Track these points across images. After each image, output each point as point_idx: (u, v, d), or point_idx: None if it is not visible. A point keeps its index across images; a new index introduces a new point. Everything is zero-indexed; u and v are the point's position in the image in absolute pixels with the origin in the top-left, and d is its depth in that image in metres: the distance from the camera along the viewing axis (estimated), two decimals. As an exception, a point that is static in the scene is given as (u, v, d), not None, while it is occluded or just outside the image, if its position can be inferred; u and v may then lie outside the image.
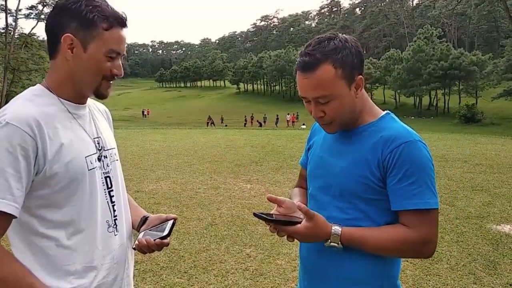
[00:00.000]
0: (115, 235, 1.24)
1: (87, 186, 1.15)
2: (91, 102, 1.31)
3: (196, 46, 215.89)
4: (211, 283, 3.24)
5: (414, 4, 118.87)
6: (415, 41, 54.53)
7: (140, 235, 1.27)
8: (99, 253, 1.18)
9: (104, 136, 1.27)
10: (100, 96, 1.21)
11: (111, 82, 1.20)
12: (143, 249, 1.24)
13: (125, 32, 1.17)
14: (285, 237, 1.21)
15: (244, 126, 37.00)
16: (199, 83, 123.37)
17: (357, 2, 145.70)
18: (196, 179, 7.14)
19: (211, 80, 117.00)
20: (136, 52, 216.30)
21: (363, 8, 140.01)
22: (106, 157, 1.25)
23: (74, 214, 1.13)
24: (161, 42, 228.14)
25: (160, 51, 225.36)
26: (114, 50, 1.14)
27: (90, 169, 1.16)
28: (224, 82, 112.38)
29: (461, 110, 40.93)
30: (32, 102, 1.11)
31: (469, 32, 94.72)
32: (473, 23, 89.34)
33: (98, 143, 1.23)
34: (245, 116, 44.26)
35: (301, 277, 1.42)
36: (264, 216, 1.18)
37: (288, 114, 44.34)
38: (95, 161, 1.19)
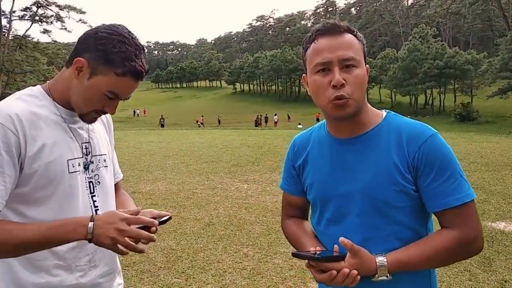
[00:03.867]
0: None
1: (67, 188, 1.16)
2: None
3: (192, 47, 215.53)
4: (209, 283, 3.25)
5: (409, 4, 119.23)
6: (410, 40, 54.69)
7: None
8: (74, 254, 1.18)
9: (94, 142, 1.28)
10: (84, 121, 1.23)
11: (100, 115, 1.22)
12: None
13: (138, 83, 1.18)
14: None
15: (256, 126, 35.88)
16: (195, 84, 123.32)
17: (352, 2, 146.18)
18: (193, 180, 7.14)
19: (207, 81, 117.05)
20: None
21: (358, 8, 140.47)
22: (93, 163, 1.26)
23: (51, 213, 1.13)
24: (156, 43, 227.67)
25: (156, 52, 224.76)
26: (116, 93, 1.15)
27: (71, 172, 1.17)
28: (220, 82, 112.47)
29: (456, 109, 41.09)
30: (24, 102, 1.14)
31: (464, 31, 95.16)
32: (467, 22, 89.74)
33: (86, 148, 1.24)
34: (258, 116, 42.05)
35: None
36: (305, 254, 1.10)
37: (318, 114, 42.85)
38: (79, 165, 1.20)
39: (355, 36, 1.13)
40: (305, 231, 1.31)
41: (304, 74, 1.21)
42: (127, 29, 1.17)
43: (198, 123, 38.36)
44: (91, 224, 1.06)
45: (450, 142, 11.41)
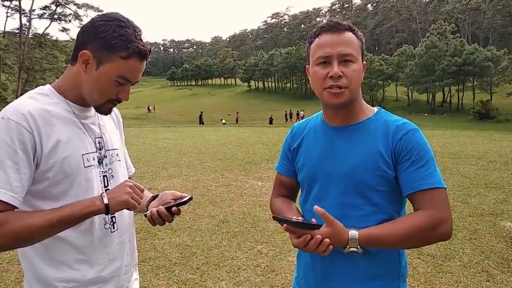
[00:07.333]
0: (112, 232, 1.27)
1: (83, 183, 1.18)
2: None
3: (207, 44, 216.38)
4: (223, 279, 3.28)
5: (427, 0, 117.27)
6: (428, 37, 53.86)
7: (154, 209, 1.28)
8: (93, 248, 1.22)
9: (106, 137, 1.31)
10: (100, 113, 1.26)
11: (114, 104, 1.25)
12: (154, 218, 1.26)
13: (143, 64, 1.20)
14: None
15: (286, 121, 39.17)
16: (210, 81, 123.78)
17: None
18: (207, 177, 7.19)
19: (222, 78, 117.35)
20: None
21: (375, 4, 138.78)
22: (106, 157, 1.28)
23: None
24: (172, 41, 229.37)
25: (172, 50, 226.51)
26: (125, 77, 1.17)
27: (87, 166, 1.20)
28: (235, 80, 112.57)
29: (475, 107, 40.27)
30: (35, 100, 1.16)
31: (484, 27, 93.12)
32: (487, 18, 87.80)
33: (99, 143, 1.27)
34: (288, 111, 44.16)
35: (312, 282, 1.35)
36: (284, 218, 1.18)
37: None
38: (93, 159, 1.23)
39: (355, 34, 1.25)
40: (290, 207, 1.42)
41: (307, 65, 1.33)
42: (121, 14, 1.19)
43: (236, 118, 41.56)
44: (104, 193, 1.16)
45: (469, 141, 11.29)
